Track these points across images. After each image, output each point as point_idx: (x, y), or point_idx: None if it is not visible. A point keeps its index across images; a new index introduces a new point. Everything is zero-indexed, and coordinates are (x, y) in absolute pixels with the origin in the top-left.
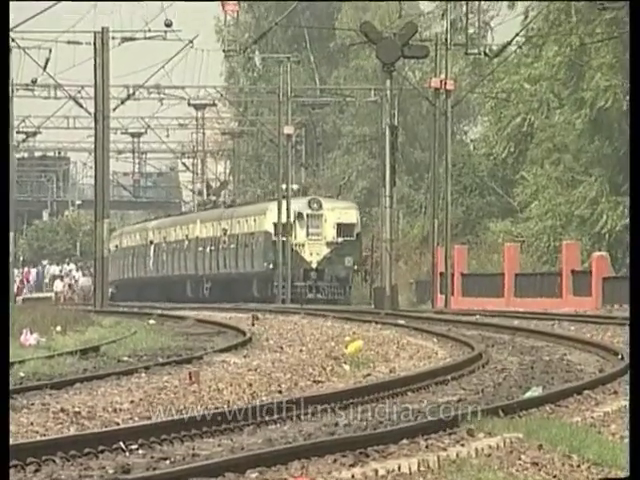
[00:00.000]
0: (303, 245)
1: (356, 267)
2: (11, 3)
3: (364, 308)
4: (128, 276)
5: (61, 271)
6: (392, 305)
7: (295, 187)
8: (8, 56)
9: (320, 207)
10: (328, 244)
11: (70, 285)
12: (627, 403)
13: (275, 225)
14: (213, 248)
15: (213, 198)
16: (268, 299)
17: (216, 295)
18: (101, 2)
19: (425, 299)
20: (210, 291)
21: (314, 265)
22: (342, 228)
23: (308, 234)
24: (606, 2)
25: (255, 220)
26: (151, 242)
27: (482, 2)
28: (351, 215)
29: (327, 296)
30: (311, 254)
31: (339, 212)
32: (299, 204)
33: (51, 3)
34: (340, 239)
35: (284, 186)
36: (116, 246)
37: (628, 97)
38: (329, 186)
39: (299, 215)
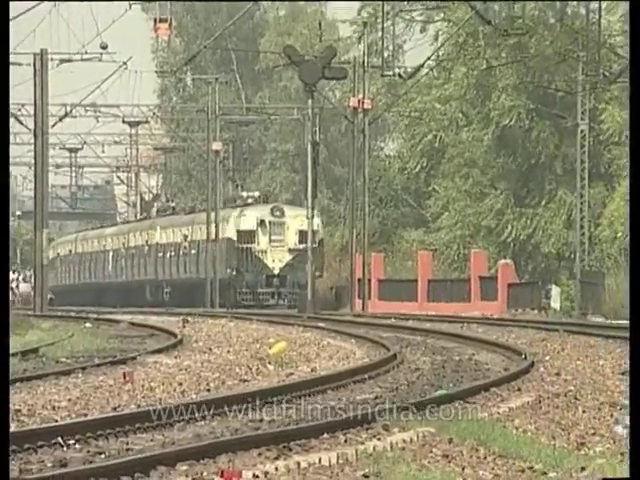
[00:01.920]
0: (265, 252)
1: (318, 273)
2: None
3: (287, 312)
4: (84, 281)
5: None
6: (313, 309)
7: (256, 194)
8: (8, 56)
9: (282, 214)
10: (290, 251)
11: (12, 290)
12: (530, 399)
13: (238, 232)
14: (173, 254)
15: (172, 204)
16: (230, 305)
17: (176, 300)
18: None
19: (344, 303)
20: (170, 296)
21: (276, 271)
22: (304, 235)
23: (270, 241)
24: (510, 28)
25: (217, 226)
26: (109, 249)
27: (396, 27)
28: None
29: (289, 302)
30: (273, 260)
31: (301, 219)
32: (262, 211)
33: None
34: (302, 246)
35: (245, 194)
36: (70, 251)
37: (530, 116)
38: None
39: (262, 222)
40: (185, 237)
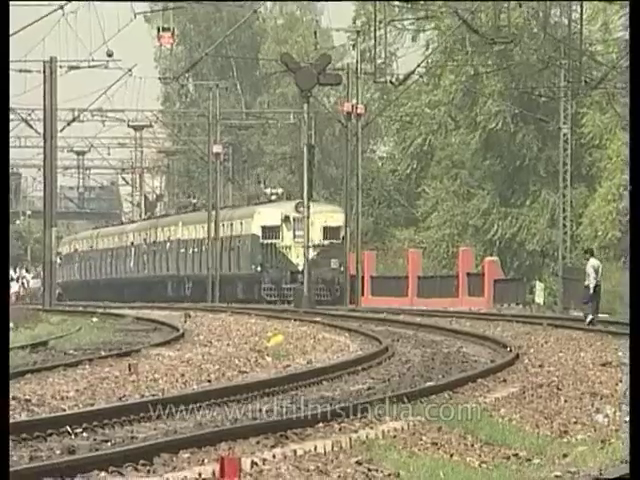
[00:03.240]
0: (290, 248)
1: (342, 269)
2: None
3: (284, 307)
4: (106, 277)
5: (16, 274)
6: (309, 304)
7: (280, 191)
8: (8, 56)
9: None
10: (314, 247)
11: (23, 285)
12: (515, 390)
13: (263, 228)
14: (196, 250)
15: (194, 201)
16: (254, 300)
17: (198, 295)
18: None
19: (340, 299)
20: (191, 291)
21: (300, 267)
22: (328, 231)
23: (295, 237)
24: (496, 37)
25: (242, 223)
26: (131, 244)
27: (388, 36)
28: (337, 218)
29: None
30: (298, 256)
31: (325, 215)
32: (286, 207)
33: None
34: (326, 242)
35: (268, 190)
36: (91, 247)
37: (515, 120)
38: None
39: (286, 218)
40: (209, 234)
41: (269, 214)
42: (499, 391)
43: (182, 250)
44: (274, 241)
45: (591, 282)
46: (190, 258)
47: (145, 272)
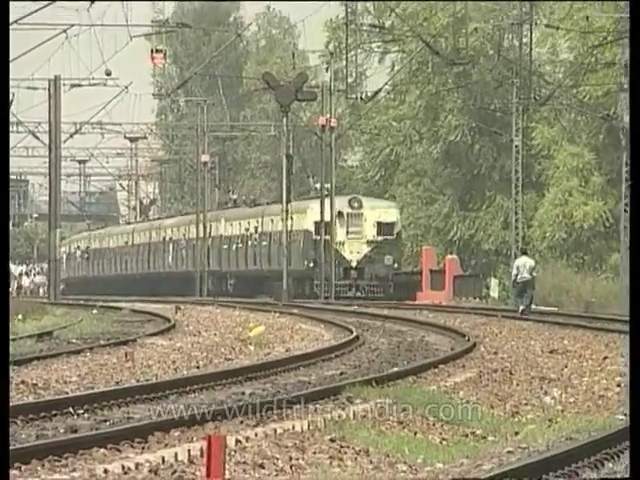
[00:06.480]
0: (343, 244)
1: (396, 265)
2: None
3: (266, 300)
4: (142, 271)
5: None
6: (288, 297)
7: (327, 186)
8: (8, 56)
9: (360, 206)
10: (368, 243)
11: (32, 281)
12: (472, 375)
13: (316, 224)
14: (241, 245)
15: (234, 197)
16: (304, 297)
17: (240, 291)
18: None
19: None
20: (234, 287)
21: (354, 264)
22: (382, 227)
23: (348, 233)
24: (455, 59)
25: (292, 218)
26: (170, 239)
27: (358, 57)
28: (391, 214)
29: (367, 294)
30: (351, 253)
31: (379, 211)
32: (339, 203)
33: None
34: (380, 238)
35: (318, 186)
36: (125, 242)
37: (472, 133)
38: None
39: (339, 214)
40: (255, 229)
41: (323, 210)
42: (458, 376)
43: (225, 246)
44: (327, 237)
45: (519, 277)
46: (233, 254)
47: (183, 267)
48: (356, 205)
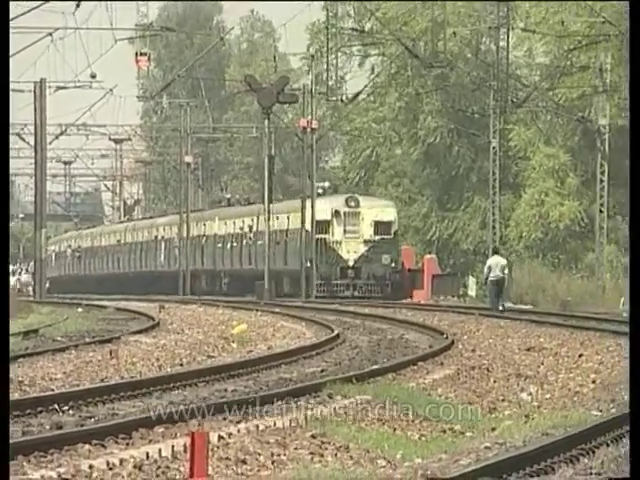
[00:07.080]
0: (340, 243)
1: (393, 265)
2: None
3: (248, 299)
4: (135, 270)
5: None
6: (270, 296)
7: (326, 184)
8: (8, 56)
9: (357, 205)
10: (365, 242)
11: (19, 280)
12: (451, 372)
13: (316, 223)
14: (235, 244)
15: (227, 196)
16: (301, 296)
17: (234, 290)
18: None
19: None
20: (228, 286)
21: (351, 263)
22: (379, 226)
23: (345, 232)
24: (434, 62)
25: (288, 218)
26: (162, 238)
27: (338, 60)
28: (389, 213)
29: (364, 294)
30: (348, 252)
31: (377, 210)
32: (336, 202)
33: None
34: (377, 237)
35: (317, 184)
36: (118, 241)
37: (451, 135)
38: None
39: (336, 213)
40: (250, 228)
41: (319, 208)
42: (437, 373)
43: (219, 245)
44: (324, 236)
45: (491, 275)
46: (228, 253)
47: (176, 266)
48: (353, 204)
